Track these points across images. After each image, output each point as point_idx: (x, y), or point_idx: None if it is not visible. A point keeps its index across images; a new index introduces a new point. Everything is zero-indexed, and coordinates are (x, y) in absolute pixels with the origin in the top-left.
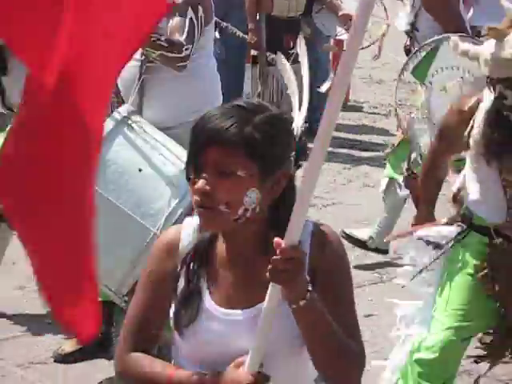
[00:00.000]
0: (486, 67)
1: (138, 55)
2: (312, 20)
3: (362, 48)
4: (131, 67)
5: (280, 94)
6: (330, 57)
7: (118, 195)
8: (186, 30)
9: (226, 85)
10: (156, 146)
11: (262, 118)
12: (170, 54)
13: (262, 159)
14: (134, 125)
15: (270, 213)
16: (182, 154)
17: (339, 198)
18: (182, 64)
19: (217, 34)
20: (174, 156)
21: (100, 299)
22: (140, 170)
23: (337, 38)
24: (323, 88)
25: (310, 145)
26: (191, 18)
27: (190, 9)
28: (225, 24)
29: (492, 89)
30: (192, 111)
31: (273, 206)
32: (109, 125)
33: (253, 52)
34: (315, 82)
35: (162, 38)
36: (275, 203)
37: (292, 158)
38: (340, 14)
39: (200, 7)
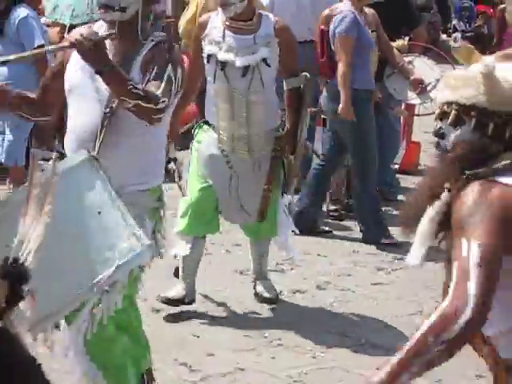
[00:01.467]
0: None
1: (103, 107)
2: (383, 84)
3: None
4: (97, 116)
5: None
6: (401, 121)
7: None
8: (163, 85)
9: None
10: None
11: None
12: (145, 105)
13: None
14: (101, 169)
15: None
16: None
17: None
18: (157, 116)
19: None
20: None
21: None
22: (99, 213)
23: (408, 102)
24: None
25: None
26: (169, 75)
27: (170, 66)
28: None
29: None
30: (138, 182)
31: None
32: (78, 159)
33: (323, 116)
34: (388, 146)
35: (139, 87)
36: None
37: None
38: (411, 78)
39: (179, 69)
